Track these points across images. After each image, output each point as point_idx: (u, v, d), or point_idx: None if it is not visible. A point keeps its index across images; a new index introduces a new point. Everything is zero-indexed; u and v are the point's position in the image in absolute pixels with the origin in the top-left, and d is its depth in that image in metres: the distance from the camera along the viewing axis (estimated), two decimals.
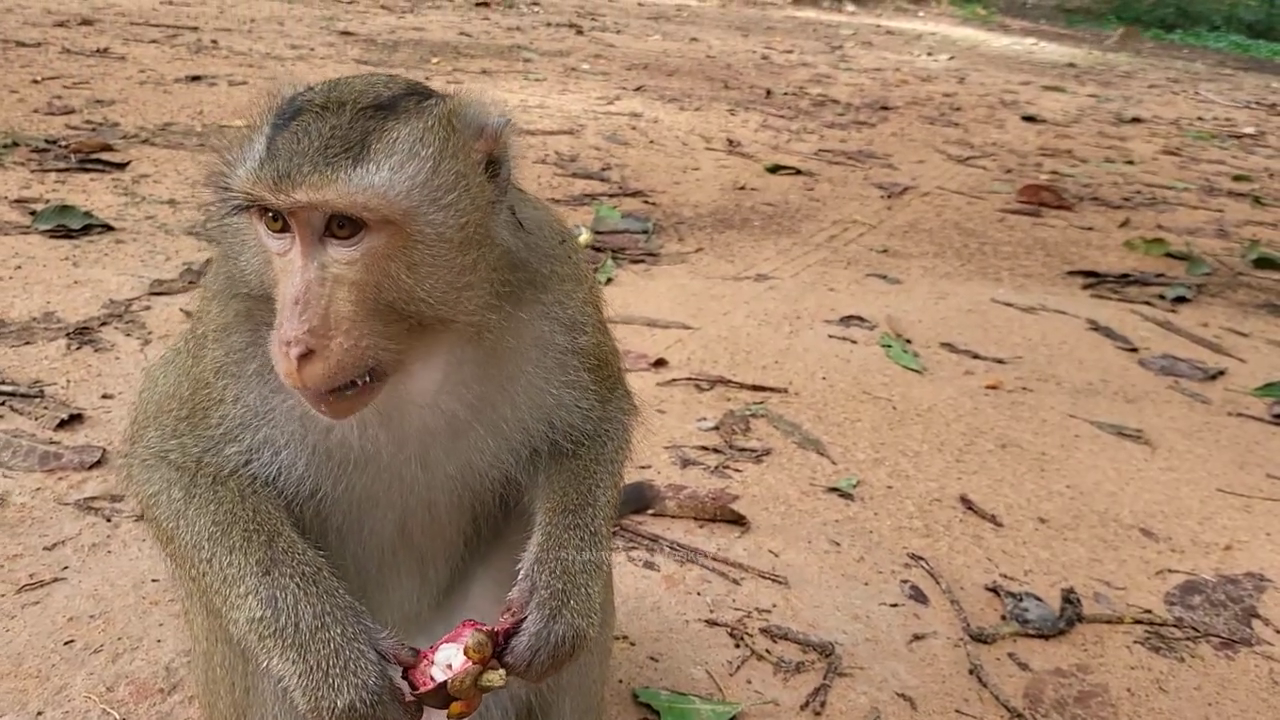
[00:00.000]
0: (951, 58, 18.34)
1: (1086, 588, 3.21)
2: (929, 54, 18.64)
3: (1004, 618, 3.03)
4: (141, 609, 2.66)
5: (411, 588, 2.05)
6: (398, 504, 1.89)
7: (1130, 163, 10.34)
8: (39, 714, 2.31)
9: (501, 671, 1.62)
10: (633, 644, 2.76)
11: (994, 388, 4.66)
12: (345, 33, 12.91)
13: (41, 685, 2.39)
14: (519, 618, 1.69)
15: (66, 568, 2.79)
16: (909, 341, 5.09)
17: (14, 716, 2.29)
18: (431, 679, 1.59)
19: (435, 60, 11.79)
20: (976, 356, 5.00)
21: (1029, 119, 12.33)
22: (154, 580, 2.76)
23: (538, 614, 1.69)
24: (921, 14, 27.83)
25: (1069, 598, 3.09)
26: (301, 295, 1.53)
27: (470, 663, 1.58)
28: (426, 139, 1.57)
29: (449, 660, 1.59)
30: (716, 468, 3.70)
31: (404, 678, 1.62)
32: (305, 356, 1.51)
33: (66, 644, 2.52)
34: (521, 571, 1.76)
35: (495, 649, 1.63)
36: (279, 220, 1.55)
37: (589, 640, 1.74)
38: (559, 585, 1.72)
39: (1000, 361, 4.98)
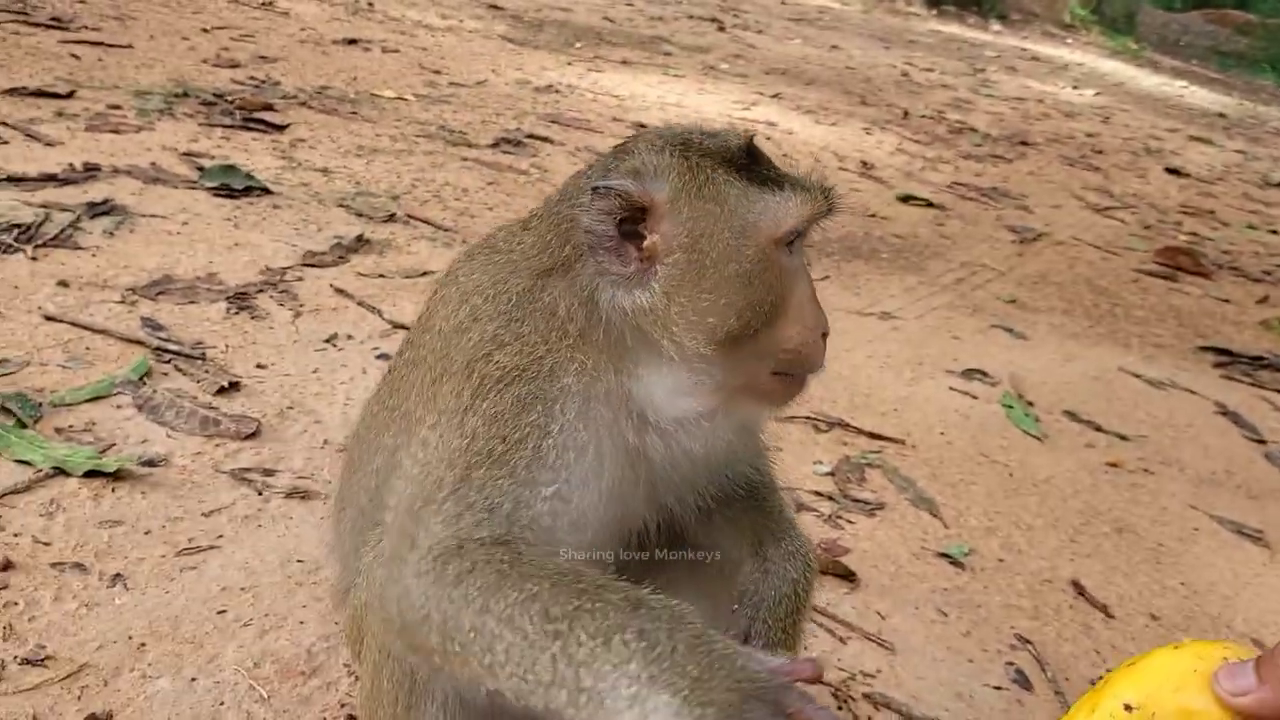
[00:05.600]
0: (1097, 93, 17.84)
1: None
2: (1074, 87, 18.17)
3: None
4: (287, 588, 2.83)
5: None
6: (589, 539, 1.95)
7: (1275, 232, 9.99)
8: (192, 680, 2.48)
9: None
10: None
11: (1115, 465, 4.61)
12: (493, 6, 13.13)
13: (196, 652, 2.57)
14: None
15: (221, 536, 2.98)
16: (1030, 404, 5.05)
17: (170, 680, 2.47)
18: None
19: (578, 45, 11.93)
20: (1099, 429, 4.94)
21: (1172, 171, 11.97)
22: (299, 560, 2.93)
23: None
24: (1070, 41, 27.08)
25: None
26: (814, 294, 1.91)
27: None
28: None
29: None
30: (830, 516, 3.75)
31: None
32: None
33: (219, 613, 2.70)
34: (742, 608, 2.00)
35: None
36: (791, 244, 1.88)
37: None
38: (775, 634, 1.97)
39: (1123, 438, 4.91)
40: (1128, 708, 1.47)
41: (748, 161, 1.89)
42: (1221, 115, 18.70)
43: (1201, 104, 19.73)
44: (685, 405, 1.87)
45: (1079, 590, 3.63)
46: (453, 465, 1.74)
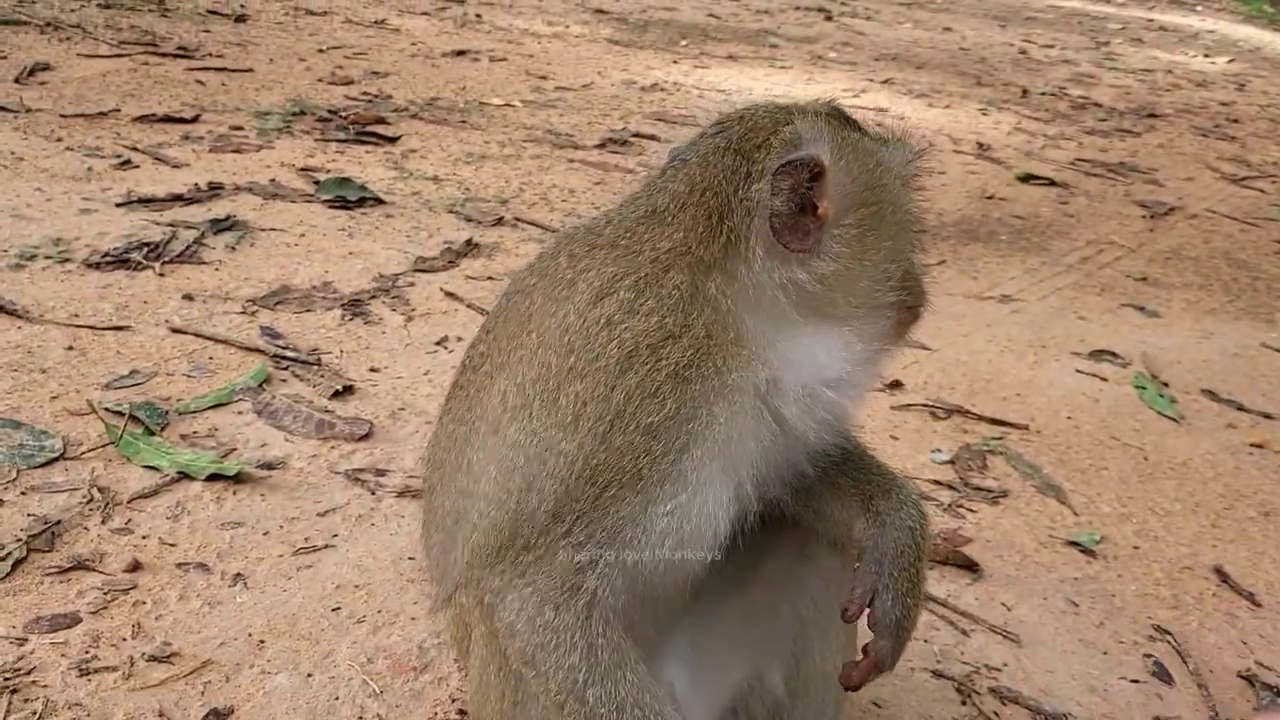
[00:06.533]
0: (1231, 60, 16.91)
1: None
2: (1205, 55, 17.26)
3: (1257, 711, 2.83)
4: (399, 585, 2.87)
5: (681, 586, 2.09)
6: None
7: None
8: (309, 676, 2.53)
9: None
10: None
11: (1259, 446, 4.33)
12: (599, 10, 13.21)
13: (312, 648, 2.62)
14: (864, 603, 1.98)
15: (336, 535, 3.04)
16: (1165, 384, 4.79)
17: (288, 675, 2.52)
18: None
19: (684, 42, 11.90)
20: (1241, 409, 4.65)
21: None
22: (410, 558, 2.96)
23: (889, 610, 1.97)
24: (1200, 8, 25.76)
25: None
26: None
27: None
28: None
29: None
30: (950, 505, 3.61)
31: None
32: None
33: (334, 610, 2.75)
34: (866, 563, 2.00)
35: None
36: None
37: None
38: (902, 584, 1.97)
39: (1268, 417, 4.61)
40: None
41: (851, 120, 1.99)
42: None
43: None
44: (843, 365, 1.88)
45: (1223, 578, 3.41)
46: (592, 480, 1.73)
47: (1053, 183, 8.06)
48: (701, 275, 1.82)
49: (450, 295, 4.65)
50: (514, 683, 1.87)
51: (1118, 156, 9.19)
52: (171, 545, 2.90)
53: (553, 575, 1.76)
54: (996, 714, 2.70)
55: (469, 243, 5.25)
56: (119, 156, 5.74)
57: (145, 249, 4.61)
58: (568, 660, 1.75)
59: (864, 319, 1.89)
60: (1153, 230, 7.26)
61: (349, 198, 5.58)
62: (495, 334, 2.03)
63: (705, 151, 1.90)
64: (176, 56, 7.96)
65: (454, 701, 2.51)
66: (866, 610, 2.00)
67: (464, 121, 7.49)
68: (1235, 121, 11.57)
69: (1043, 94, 11.73)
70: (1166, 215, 7.62)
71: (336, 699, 2.47)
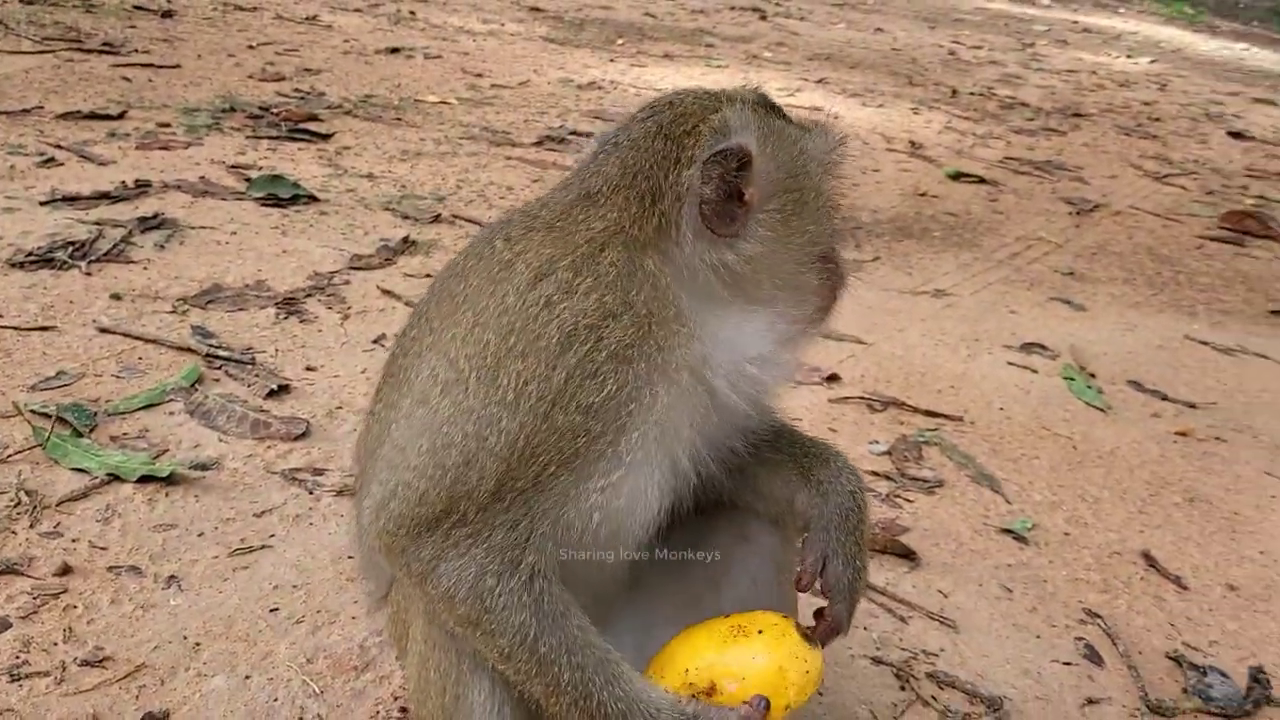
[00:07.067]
0: (1153, 61, 17.39)
1: (1277, 667, 3.06)
2: (1128, 56, 17.72)
3: (1185, 691, 2.92)
4: (339, 584, 2.83)
5: (617, 570, 2.11)
6: None
7: None
8: (247, 678, 2.49)
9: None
10: None
11: (1184, 435, 4.46)
12: (534, 9, 13.17)
13: (250, 649, 2.58)
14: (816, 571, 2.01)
15: (273, 535, 2.99)
16: (1093, 376, 4.91)
17: (225, 678, 2.48)
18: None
19: (620, 41, 11.91)
20: (1166, 398, 4.78)
21: (1235, 135, 11.58)
22: (350, 557, 2.93)
23: (842, 574, 1.99)
24: (1123, 10, 26.43)
25: (1257, 677, 2.95)
26: None
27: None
28: None
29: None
30: (887, 495, 3.67)
31: None
32: None
33: (272, 611, 2.71)
34: (815, 532, 2.03)
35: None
36: None
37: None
38: (850, 547, 2.01)
39: (1192, 406, 4.75)
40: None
41: (776, 107, 2.03)
42: None
43: (1264, 66, 19.11)
44: (766, 344, 1.92)
45: (1150, 562, 3.51)
46: (533, 458, 1.74)
47: (983, 180, 8.22)
48: (638, 253, 1.84)
49: (387, 293, 4.60)
50: (454, 676, 1.87)
51: (1044, 155, 9.40)
52: (102, 549, 2.83)
53: (491, 550, 1.77)
54: (934, 698, 2.75)
55: (406, 240, 5.21)
56: (42, 154, 5.60)
57: (71, 248, 4.49)
58: (515, 619, 1.77)
59: (787, 300, 1.95)
60: (1079, 226, 7.44)
61: (282, 195, 5.50)
62: (428, 316, 2.01)
63: (636, 136, 1.93)
64: (102, 53, 7.78)
65: (396, 699, 2.48)
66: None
67: (399, 119, 7.42)
68: (1157, 120, 11.90)
69: (972, 94, 11.95)
70: (1092, 212, 7.81)
71: (275, 700, 2.44)
